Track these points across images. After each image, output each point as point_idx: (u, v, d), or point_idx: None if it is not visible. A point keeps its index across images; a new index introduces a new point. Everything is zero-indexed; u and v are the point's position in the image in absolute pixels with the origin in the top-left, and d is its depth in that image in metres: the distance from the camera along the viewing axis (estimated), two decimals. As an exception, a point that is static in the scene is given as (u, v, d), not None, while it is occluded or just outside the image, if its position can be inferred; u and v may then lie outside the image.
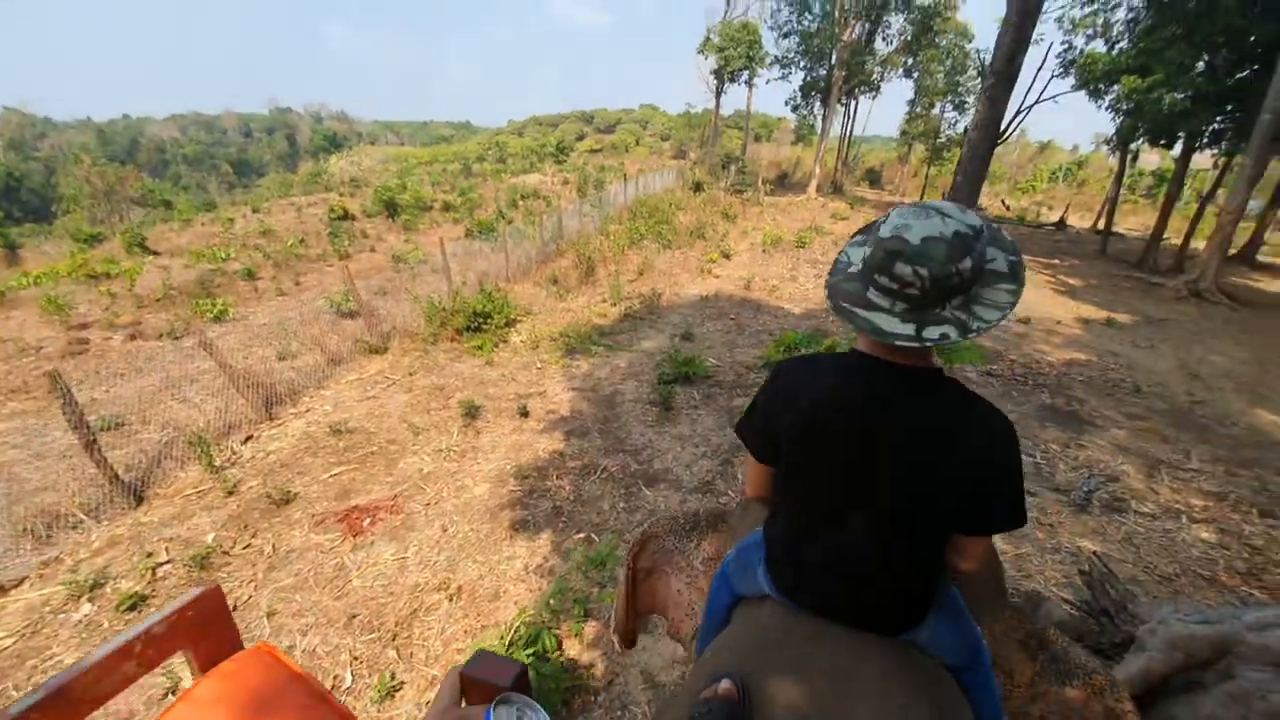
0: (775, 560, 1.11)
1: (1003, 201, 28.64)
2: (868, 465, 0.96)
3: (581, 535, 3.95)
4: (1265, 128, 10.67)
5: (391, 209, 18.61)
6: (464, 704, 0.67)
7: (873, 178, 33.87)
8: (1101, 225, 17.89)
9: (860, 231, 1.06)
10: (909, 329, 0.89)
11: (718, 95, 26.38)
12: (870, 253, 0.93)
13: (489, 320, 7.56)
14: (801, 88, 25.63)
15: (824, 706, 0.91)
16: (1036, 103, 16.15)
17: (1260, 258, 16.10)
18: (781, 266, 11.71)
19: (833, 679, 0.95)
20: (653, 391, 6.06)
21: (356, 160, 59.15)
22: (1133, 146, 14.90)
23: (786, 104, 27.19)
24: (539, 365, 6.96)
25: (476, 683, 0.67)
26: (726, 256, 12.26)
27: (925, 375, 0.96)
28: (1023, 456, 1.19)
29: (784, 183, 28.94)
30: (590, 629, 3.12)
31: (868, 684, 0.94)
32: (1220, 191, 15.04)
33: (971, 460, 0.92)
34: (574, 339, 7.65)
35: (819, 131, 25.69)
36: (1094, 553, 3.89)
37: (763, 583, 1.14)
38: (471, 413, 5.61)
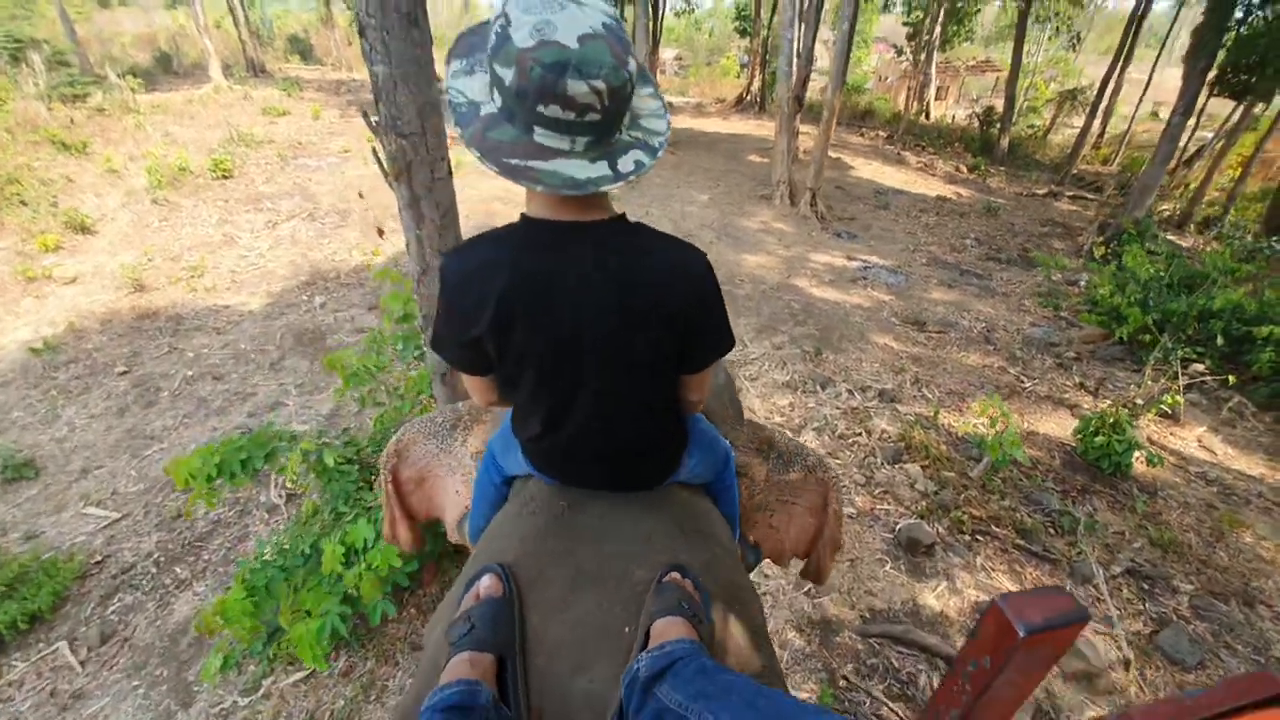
0: (529, 451, 1.04)
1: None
2: (582, 339, 0.84)
3: None
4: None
5: None
6: None
7: (301, 49, 27.13)
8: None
9: (454, 53, 0.75)
10: (603, 169, 0.73)
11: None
12: (514, 77, 0.67)
13: None
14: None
15: (590, 572, 0.90)
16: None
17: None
18: (201, 224, 7.18)
19: (597, 543, 0.95)
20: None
21: None
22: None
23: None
24: None
25: None
26: (83, 230, 6.77)
27: (612, 227, 0.83)
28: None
29: (171, 69, 20.17)
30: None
31: (630, 542, 0.95)
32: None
33: (679, 300, 0.85)
34: None
35: (190, -15, 17.61)
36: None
37: (525, 464, 1.07)
38: None
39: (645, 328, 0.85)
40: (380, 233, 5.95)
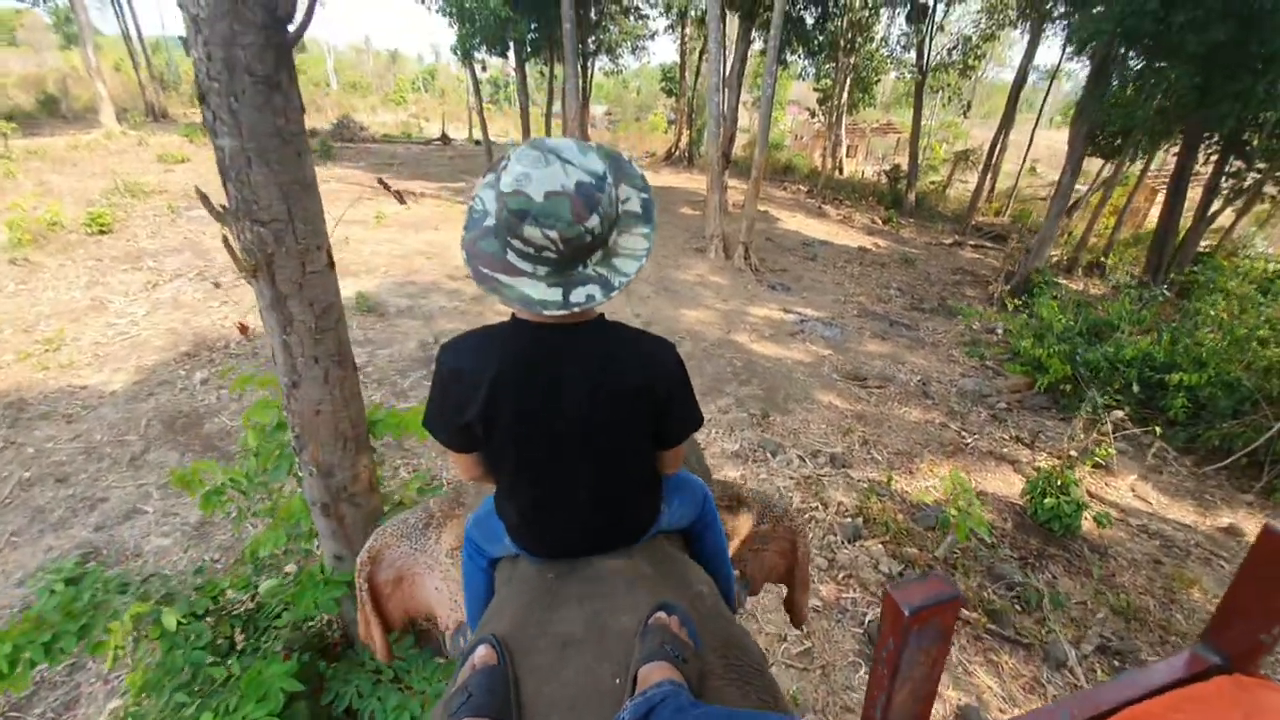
0: (514, 532, 1.09)
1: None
2: (563, 426, 0.94)
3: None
4: (570, 37, 11.81)
5: None
6: None
7: (212, 96, 25.74)
8: (479, 135, 18.38)
9: (493, 168, 0.89)
10: (556, 294, 0.85)
11: None
12: (496, 209, 0.84)
13: None
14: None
15: (577, 634, 0.92)
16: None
17: (587, 152, 20.24)
18: (66, 287, 6.24)
19: (583, 606, 0.97)
20: None
21: None
22: (477, 56, 14.98)
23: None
24: None
25: None
26: (-94, 296, 5.69)
27: (591, 327, 0.93)
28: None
29: (58, 113, 18.69)
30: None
31: (616, 597, 0.98)
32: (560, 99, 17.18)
33: (651, 386, 0.94)
34: None
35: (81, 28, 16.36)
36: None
37: (510, 546, 1.12)
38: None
39: (619, 411, 0.93)
40: (242, 329, 5.12)
